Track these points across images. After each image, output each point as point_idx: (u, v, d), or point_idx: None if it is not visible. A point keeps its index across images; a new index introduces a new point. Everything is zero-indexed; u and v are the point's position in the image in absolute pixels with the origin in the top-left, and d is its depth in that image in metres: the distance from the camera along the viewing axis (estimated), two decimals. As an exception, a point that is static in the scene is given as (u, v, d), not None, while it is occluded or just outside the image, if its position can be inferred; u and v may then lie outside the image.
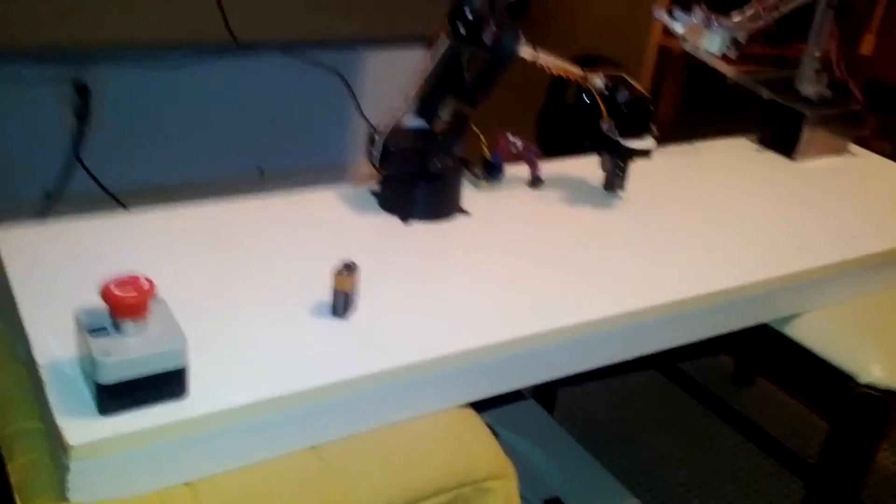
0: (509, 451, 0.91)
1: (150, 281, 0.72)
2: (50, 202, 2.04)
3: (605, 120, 1.18)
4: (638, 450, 1.88)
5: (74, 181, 2.04)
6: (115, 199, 2.07)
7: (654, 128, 1.20)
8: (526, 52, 1.09)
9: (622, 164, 1.21)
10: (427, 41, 1.12)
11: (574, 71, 1.15)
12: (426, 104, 1.12)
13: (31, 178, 2.02)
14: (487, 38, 1.05)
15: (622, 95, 1.16)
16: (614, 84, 1.17)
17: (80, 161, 2.01)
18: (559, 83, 1.95)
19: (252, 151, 2.30)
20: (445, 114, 1.12)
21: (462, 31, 1.06)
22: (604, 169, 1.24)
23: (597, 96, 1.18)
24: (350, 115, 2.34)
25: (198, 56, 1.97)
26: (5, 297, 0.89)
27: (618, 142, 1.19)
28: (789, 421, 2.02)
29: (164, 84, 2.07)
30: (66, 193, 2.05)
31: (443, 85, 1.11)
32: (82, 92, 1.95)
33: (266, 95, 2.20)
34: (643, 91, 1.19)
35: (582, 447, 1.55)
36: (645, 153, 1.21)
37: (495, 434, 1.41)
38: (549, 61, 1.12)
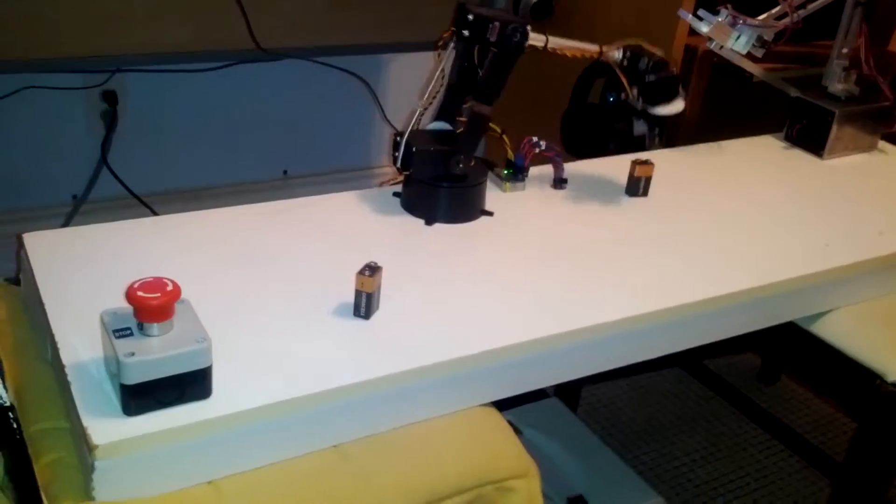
0: (532, 448, 0.91)
1: (174, 283, 0.73)
2: (78, 205, 2.07)
3: (628, 92, 1.16)
4: (662, 447, 1.87)
5: (102, 185, 2.07)
6: (142, 202, 2.09)
7: (681, 90, 1.18)
8: (536, 39, 1.08)
9: (656, 132, 1.19)
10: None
11: (589, 48, 1.13)
12: (446, 107, 1.12)
13: (60, 181, 2.05)
14: (492, 34, 1.04)
15: (642, 63, 1.15)
16: (633, 54, 1.15)
17: (108, 165, 2.04)
18: (584, 83, 1.94)
19: (277, 154, 2.32)
20: (464, 115, 1.12)
21: (466, 32, 1.06)
22: (636, 135, 1.21)
23: (617, 70, 1.16)
24: (372, 118, 2.35)
25: (222, 62, 1.98)
26: (33, 299, 0.90)
27: (645, 110, 1.17)
28: (815, 418, 2.00)
29: (190, 89, 2.09)
30: (94, 197, 2.08)
31: (459, 87, 1.11)
32: (110, 98, 1.98)
33: (290, 100, 2.21)
34: (662, 55, 1.17)
35: (605, 445, 1.54)
36: (670, 119, 1.19)
37: (518, 432, 1.41)
38: (562, 44, 1.10)
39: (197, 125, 2.17)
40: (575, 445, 1.48)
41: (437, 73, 1.09)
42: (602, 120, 1.93)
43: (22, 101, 1.87)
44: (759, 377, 2.13)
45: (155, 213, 2.11)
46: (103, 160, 2.04)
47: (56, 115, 1.98)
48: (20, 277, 0.97)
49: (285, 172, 2.37)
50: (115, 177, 2.05)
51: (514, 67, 1.07)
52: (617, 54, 1.15)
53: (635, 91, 1.18)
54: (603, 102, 1.95)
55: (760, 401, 1.92)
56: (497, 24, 1.04)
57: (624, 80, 1.15)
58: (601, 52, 1.14)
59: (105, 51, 1.66)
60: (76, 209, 2.07)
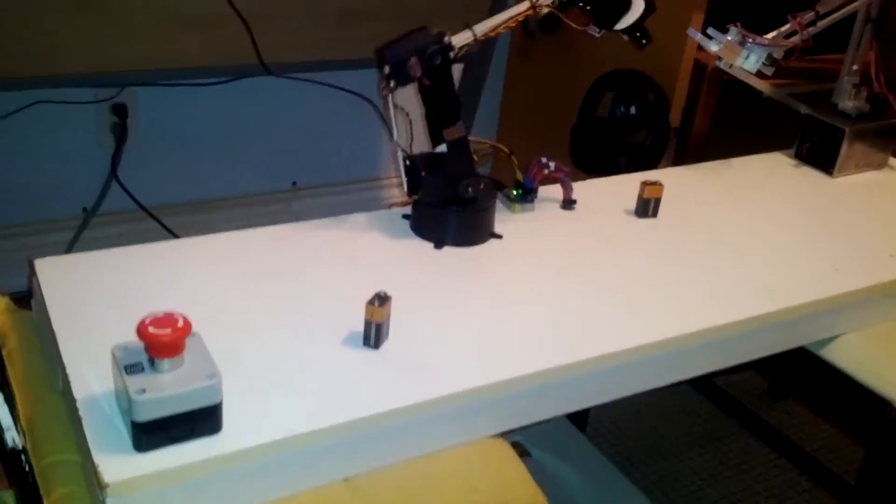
0: (540, 470, 0.91)
1: (185, 318, 0.73)
2: (88, 218, 2.08)
3: (580, 25, 1.08)
4: (671, 466, 1.87)
5: (112, 197, 2.07)
6: (151, 215, 2.10)
7: None
8: (462, 40, 1.04)
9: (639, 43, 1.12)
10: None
11: (519, 9, 1.06)
12: (434, 133, 1.10)
13: (71, 194, 2.06)
14: (414, 71, 1.01)
15: None
16: None
17: (118, 179, 2.04)
18: (593, 97, 1.94)
19: (286, 166, 2.33)
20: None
21: (394, 84, 1.03)
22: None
23: (555, 11, 1.08)
24: (378, 129, 2.35)
25: (231, 77, 1.99)
26: (44, 326, 0.91)
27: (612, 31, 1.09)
28: (825, 436, 1.99)
29: (200, 102, 2.09)
30: (104, 209, 2.09)
31: (430, 112, 1.08)
32: (120, 111, 1.99)
33: (298, 111, 2.22)
34: None
35: (614, 465, 1.54)
36: (642, 19, 1.11)
37: (526, 453, 1.42)
38: (492, 24, 1.06)
39: (207, 137, 2.17)
40: (583, 466, 1.48)
41: (393, 116, 1.06)
42: (611, 133, 1.94)
43: (33, 115, 1.88)
44: (769, 393, 2.12)
45: (164, 226, 2.12)
46: (113, 173, 2.04)
47: (66, 129, 1.99)
48: (31, 302, 0.98)
49: (294, 184, 2.38)
50: (125, 190, 2.06)
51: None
52: None
53: (592, 26, 1.10)
54: (612, 116, 1.95)
55: (770, 418, 1.92)
56: (413, 59, 1.01)
57: (571, 23, 1.07)
58: (535, 4, 1.07)
59: (115, 67, 1.67)
60: (86, 222, 2.08)
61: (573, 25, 1.09)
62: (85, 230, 2.08)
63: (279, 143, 2.28)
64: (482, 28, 1.06)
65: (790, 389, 2.07)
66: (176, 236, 2.13)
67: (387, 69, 1.02)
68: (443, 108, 1.07)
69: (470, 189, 1.08)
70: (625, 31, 1.13)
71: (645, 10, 1.12)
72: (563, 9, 1.08)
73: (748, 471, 1.88)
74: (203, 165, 2.20)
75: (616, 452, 1.87)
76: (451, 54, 1.04)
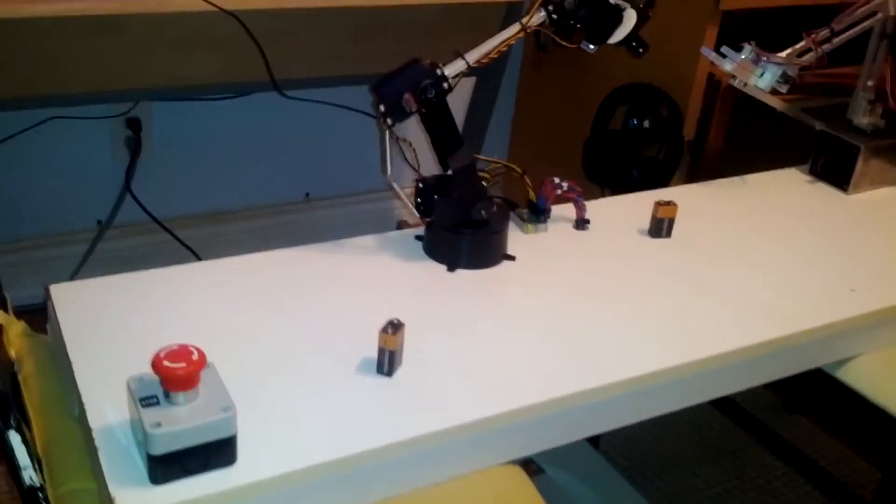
0: (554, 487, 0.91)
1: (199, 351, 0.73)
2: (102, 230, 2.09)
3: (572, 42, 1.05)
4: (685, 480, 1.86)
5: (126, 210, 2.08)
6: (164, 227, 2.11)
7: (623, 4, 1.07)
8: (455, 69, 1.03)
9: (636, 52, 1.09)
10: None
11: (509, 33, 1.05)
12: (443, 162, 1.10)
13: (85, 207, 2.08)
14: (410, 107, 1.01)
15: (569, 4, 1.03)
16: (555, 4, 1.04)
17: (131, 192, 2.06)
18: (606, 110, 1.94)
19: (298, 177, 2.33)
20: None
21: (391, 121, 1.03)
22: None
23: (546, 31, 1.05)
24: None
25: (243, 91, 2.00)
26: (60, 352, 0.91)
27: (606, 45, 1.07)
28: (840, 449, 1.97)
29: (213, 115, 2.10)
30: (118, 221, 2.10)
31: (435, 145, 1.09)
32: (134, 125, 2.00)
33: (311, 123, 2.22)
34: None
35: (627, 481, 1.53)
36: (637, 29, 1.08)
37: (540, 471, 1.41)
38: (484, 51, 1.05)
39: (220, 150, 2.18)
40: (597, 483, 1.48)
41: (388, 150, 1.06)
42: (624, 147, 1.93)
43: (48, 130, 1.90)
44: (784, 405, 2.11)
45: (177, 238, 2.13)
46: (127, 186, 2.05)
47: (81, 143, 2.00)
48: (47, 327, 0.98)
49: (307, 195, 2.38)
50: (139, 203, 2.07)
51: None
52: (540, 14, 1.05)
53: (585, 42, 1.07)
54: (625, 129, 1.95)
55: (785, 430, 1.90)
56: (408, 95, 1.01)
57: (564, 42, 1.05)
58: (525, 27, 1.05)
59: (130, 85, 1.68)
60: (101, 234, 2.09)
61: (566, 45, 1.07)
62: (99, 242, 2.09)
63: (291, 154, 2.28)
64: (474, 56, 1.06)
65: (803, 407, 2.06)
66: (189, 248, 2.14)
67: (382, 108, 1.02)
68: (443, 137, 1.07)
69: (483, 212, 1.08)
70: (620, 42, 1.11)
71: (638, 21, 1.09)
72: (558, 27, 1.06)
73: (764, 485, 1.86)
74: (216, 178, 2.21)
75: (630, 465, 1.87)
76: (445, 85, 1.04)
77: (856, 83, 1.49)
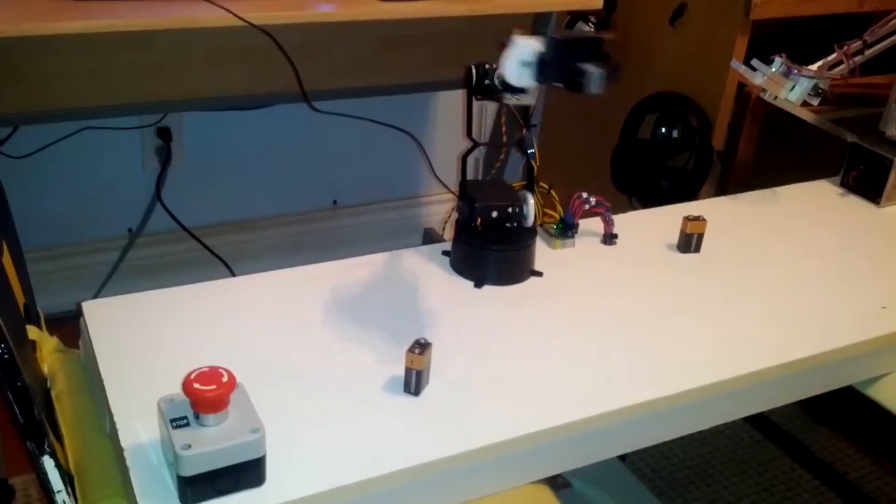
0: (581, 501, 0.90)
1: (229, 373, 0.74)
2: (133, 238, 2.12)
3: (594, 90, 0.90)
4: (713, 492, 1.84)
5: (156, 218, 2.11)
6: (193, 235, 2.13)
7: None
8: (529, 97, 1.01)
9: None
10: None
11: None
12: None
13: (117, 215, 2.10)
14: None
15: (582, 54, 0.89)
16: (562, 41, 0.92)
17: (161, 201, 2.08)
18: (634, 119, 1.93)
19: (326, 185, 2.35)
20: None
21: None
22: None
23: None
24: (415, 150, 2.36)
25: (272, 102, 2.02)
26: (92, 369, 0.92)
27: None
28: (869, 462, 1.95)
29: (242, 125, 2.12)
30: (149, 230, 2.13)
31: None
32: (164, 134, 2.02)
33: (338, 134, 2.24)
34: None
35: (655, 496, 1.52)
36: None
37: (567, 485, 1.41)
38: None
39: (248, 159, 2.20)
40: (624, 497, 1.47)
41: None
42: (653, 157, 1.92)
43: (81, 140, 1.92)
44: (813, 417, 2.08)
45: (205, 247, 2.15)
46: (157, 195, 2.08)
47: (113, 153, 2.02)
48: (79, 343, 1.00)
49: (335, 202, 2.39)
50: (168, 212, 2.09)
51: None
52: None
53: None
54: (654, 139, 1.94)
55: (814, 442, 1.88)
56: None
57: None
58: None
59: (161, 97, 1.70)
60: (131, 242, 2.12)
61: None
62: (130, 250, 2.12)
63: (319, 163, 2.30)
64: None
65: (831, 420, 2.03)
66: (218, 256, 2.16)
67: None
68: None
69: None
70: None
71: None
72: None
73: (793, 497, 1.85)
74: (245, 186, 2.23)
75: (658, 477, 1.86)
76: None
77: (888, 93, 1.47)
